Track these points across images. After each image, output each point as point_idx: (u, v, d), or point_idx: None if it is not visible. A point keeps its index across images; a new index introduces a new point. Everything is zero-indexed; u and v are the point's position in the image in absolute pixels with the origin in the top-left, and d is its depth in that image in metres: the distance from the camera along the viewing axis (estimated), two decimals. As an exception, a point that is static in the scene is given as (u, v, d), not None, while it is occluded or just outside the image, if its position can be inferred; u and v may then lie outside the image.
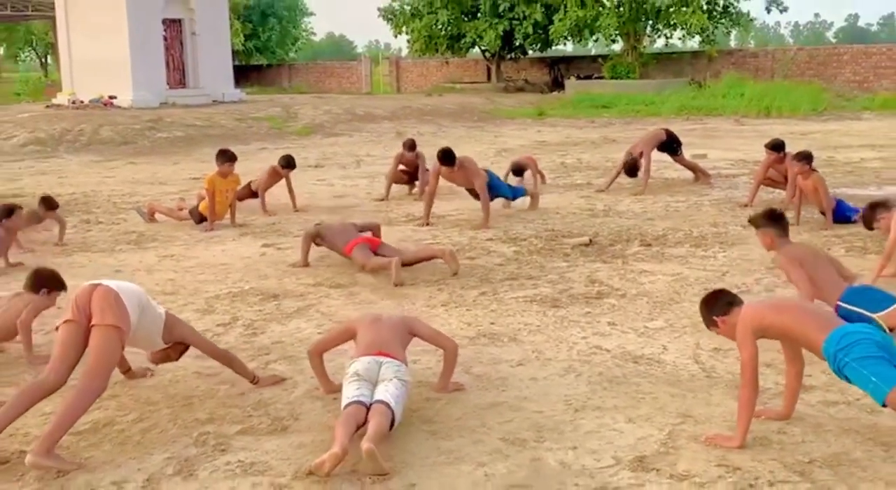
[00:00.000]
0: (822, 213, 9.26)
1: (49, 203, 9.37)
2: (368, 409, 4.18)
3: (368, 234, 8.10)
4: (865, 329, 4.07)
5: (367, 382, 4.35)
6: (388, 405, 4.16)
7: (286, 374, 5.21)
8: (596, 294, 6.88)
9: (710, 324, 4.39)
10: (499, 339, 5.84)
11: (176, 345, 4.92)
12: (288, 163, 11.20)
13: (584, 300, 6.71)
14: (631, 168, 11.55)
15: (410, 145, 12.16)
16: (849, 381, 3.91)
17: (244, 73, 42.34)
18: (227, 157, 10.23)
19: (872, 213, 7.10)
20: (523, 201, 10.72)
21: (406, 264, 7.59)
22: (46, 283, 5.70)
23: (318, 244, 8.16)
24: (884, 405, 3.78)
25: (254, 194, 11.13)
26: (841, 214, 9.19)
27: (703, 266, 7.68)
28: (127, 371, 5.15)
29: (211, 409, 4.71)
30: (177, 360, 5.06)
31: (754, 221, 6.17)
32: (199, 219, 10.20)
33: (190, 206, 10.48)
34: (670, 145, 12.56)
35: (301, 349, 5.68)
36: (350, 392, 4.29)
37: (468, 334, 5.94)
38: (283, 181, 11.25)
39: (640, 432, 4.27)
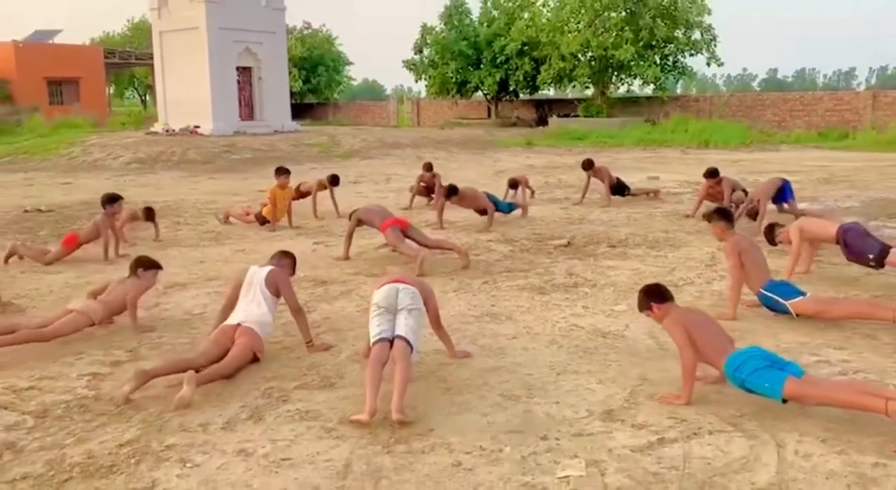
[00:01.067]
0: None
1: (149, 213, 9.41)
2: (391, 343, 4.17)
3: (401, 218, 8.02)
4: (749, 350, 4.03)
5: (388, 314, 4.32)
6: (407, 341, 4.15)
7: (333, 343, 5.20)
8: (573, 283, 6.86)
9: (643, 307, 4.35)
10: (498, 317, 5.82)
11: None
12: (334, 180, 11.20)
13: (563, 288, 6.69)
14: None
15: (428, 167, 12.30)
16: (750, 391, 3.88)
17: (299, 110, 42.25)
18: (282, 172, 10.27)
19: (771, 233, 7.02)
20: (516, 213, 10.70)
21: (430, 247, 7.60)
22: (145, 266, 5.73)
23: (360, 225, 8.12)
24: (784, 401, 3.76)
25: (302, 195, 11.12)
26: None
27: (657, 263, 7.65)
28: None
29: (274, 369, 4.71)
30: None
31: (709, 217, 6.02)
32: (263, 221, 10.21)
33: (255, 212, 10.49)
34: (620, 189, 12.02)
35: (345, 324, 5.70)
36: (375, 329, 4.28)
37: (474, 314, 5.92)
38: (328, 192, 11.25)
39: (607, 391, 4.26)
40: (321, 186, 11.22)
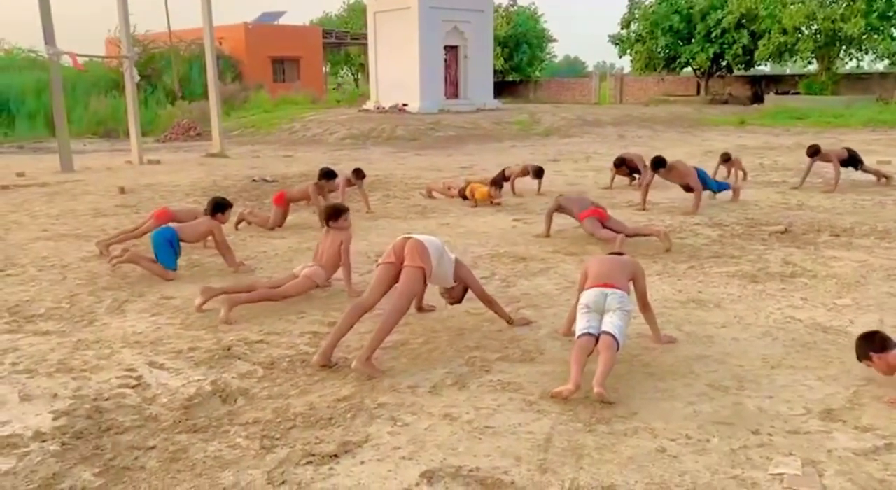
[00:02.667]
0: None
1: (358, 173, 9.96)
2: (597, 338, 4.13)
3: (600, 208, 7.84)
4: None
5: (595, 313, 4.27)
6: (613, 337, 4.09)
7: (532, 319, 5.25)
8: (790, 273, 6.43)
9: (862, 357, 3.98)
10: (705, 304, 5.59)
11: (460, 286, 5.05)
12: (359, 174, 10.05)
13: (779, 278, 6.29)
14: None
15: (619, 162, 11.60)
16: None
17: (500, 88, 42.66)
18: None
19: None
20: (726, 194, 10.17)
21: (628, 236, 7.44)
22: (335, 216, 5.95)
23: (559, 211, 8.12)
24: None
25: (505, 178, 11.28)
26: None
27: (888, 255, 6.98)
28: (420, 308, 5.41)
29: (477, 340, 4.85)
30: (460, 301, 5.17)
31: None
32: (464, 195, 10.46)
33: (459, 187, 10.76)
34: (853, 161, 11.26)
35: (544, 301, 5.73)
36: (581, 324, 4.25)
37: (679, 299, 5.74)
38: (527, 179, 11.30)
39: (828, 389, 3.98)
40: (523, 172, 11.34)
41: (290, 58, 41.60)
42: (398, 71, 27.16)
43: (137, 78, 17.41)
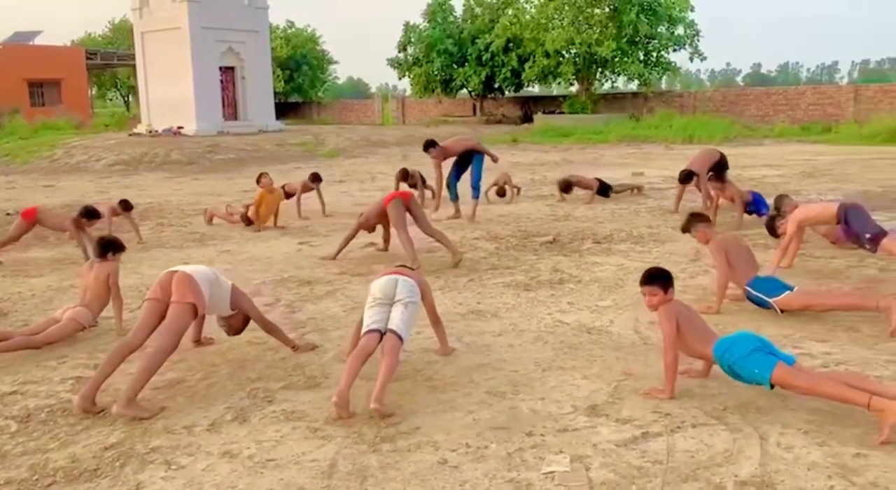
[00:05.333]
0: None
1: (125, 205, 9.35)
2: (382, 334, 4.18)
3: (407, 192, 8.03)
4: (739, 333, 4.08)
5: (383, 306, 4.31)
6: (399, 336, 4.14)
7: (318, 343, 5.19)
8: (558, 280, 6.88)
9: (645, 283, 4.24)
10: (483, 315, 5.84)
11: (238, 315, 4.87)
12: (315, 177, 11.24)
13: (549, 285, 6.72)
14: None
15: (404, 175, 12.10)
16: (738, 376, 3.91)
17: (283, 109, 42.17)
18: (263, 175, 10.29)
19: (772, 224, 7.07)
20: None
21: (425, 232, 7.67)
22: (115, 249, 5.65)
23: (370, 229, 8.07)
24: (772, 387, 3.79)
25: (288, 196, 11.10)
26: (756, 210, 9.28)
27: (641, 259, 7.67)
28: (197, 341, 5.15)
29: (260, 370, 4.70)
30: (240, 331, 4.98)
31: (685, 227, 6.06)
32: (249, 222, 10.18)
33: (241, 213, 10.44)
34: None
35: (330, 324, 5.70)
36: (368, 319, 4.28)
37: (459, 312, 5.93)
38: (314, 192, 11.23)
39: (592, 386, 4.28)
40: (306, 188, 11.22)
41: (50, 80, 38.47)
42: (171, 92, 25.98)
43: None
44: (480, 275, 7.16)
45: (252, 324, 4.95)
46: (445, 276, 7.15)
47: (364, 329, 4.25)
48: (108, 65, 45.86)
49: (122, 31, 49.90)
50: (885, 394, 3.55)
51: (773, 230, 7.04)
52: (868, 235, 6.22)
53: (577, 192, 12.13)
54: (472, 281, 6.93)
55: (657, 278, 4.24)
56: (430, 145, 10.65)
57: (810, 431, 3.60)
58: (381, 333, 4.21)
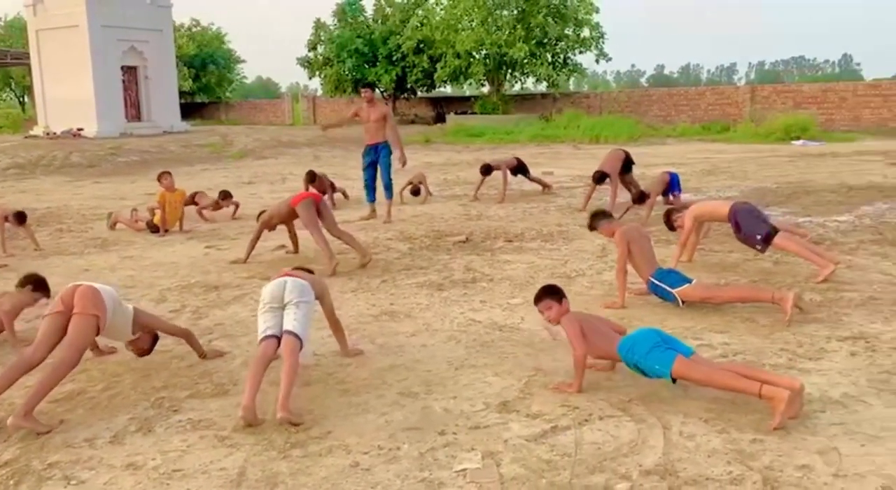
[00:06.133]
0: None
1: (20, 217, 8.86)
2: (279, 339, 4.11)
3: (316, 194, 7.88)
4: (640, 331, 4.19)
5: (275, 311, 4.23)
6: (296, 336, 4.08)
7: (226, 349, 5.08)
8: (471, 279, 6.94)
9: (546, 307, 4.38)
10: (397, 315, 5.83)
11: (145, 335, 4.68)
12: (225, 195, 11.19)
13: (462, 284, 6.76)
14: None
15: (311, 177, 11.86)
16: (643, 372, 4.04)
17: (189, 109, 41.06)
18: (166, 175, 10.07)
19: (669, 218, 7.35)
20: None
21: (333, 235, 7.55)
22: (36, 286, 5.43)
23: (271, 227, 7.96)
24: (674, 381, 3.93)
25: (195, 201, 10.88)
26: (672, 190, 10.03)
27: (551, 256, 7.83)
28: (95, 348, 4.96)
29: (165, 379, 4.57)
30: (149, 352, 4.76)
31: (591, 225, 6.31)
32: (154, 229, 9.86)
33: (147, 220, 10.10)
34: (522, 169, 12.65)
35: (239, 329, 5.58)
36: (262, 326, 4.20)
37: (373, 313, 5.91)
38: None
39: (503, 383, 4.33)
40: (217, 207, 11.06)
41: (-65, 79, 36.21)
42: (70, 93, 24.96)
43: None
44: (394, 275, 7.15)
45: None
46: (358, 277, 7.11)
47: (260, 336, 4.17)
48: (2, 64, 43.53)
49: (15, 29, 47.43)
50: (775, 382, 3.74)
51: (670, 224, 7.32)
52: (759, 237, 6.48)
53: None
54: (386, 282, 6.92)
55: (547, 293, 4.41)
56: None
57: (710, 419, 3.74)
58: (279, 338, 4.13)
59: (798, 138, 22.34)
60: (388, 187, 10.48)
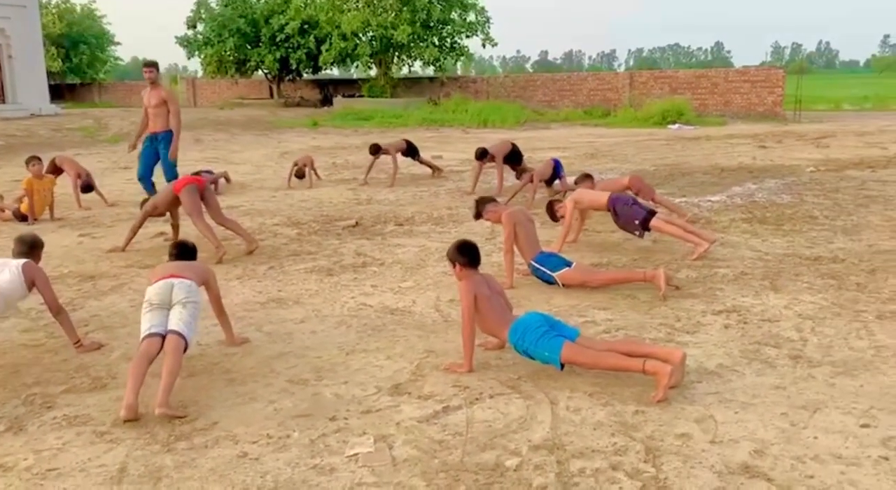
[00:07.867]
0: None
1: None
2: (164, 337, 3.96)
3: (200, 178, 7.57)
4: (528, 317, 4.22)
5: (161, 310, 4.09)
6: (181, 335, 3.96)
7: (104, 341, 4.86)
8: (362, 263, 6.89)
9: (453, 260, 4.44)
10: (285, 302, 5.72)
11: None
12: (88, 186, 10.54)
13: (352, 268, 6.71)
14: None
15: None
16: (533, 358, 4.13)
17: (60, 91, 38.86)
18: (35, 160, 9.46)
19: (552, 209, 7.51)
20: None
21: (218, 222, 7.32)
22: None
23: (159, 214, 7.66)
24: (562, 367, 4.04)
25: (56, 172, 10.36)
26: (557, 175, 10.17)
27: (441, 239, 7.86)
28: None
29: (37, 374, 4.32)
30: None
31: (476, 214, 6.34)
32: (22, 217, 9.27)
33: (13, 209, 9.47)
34: (412, 152, 12.63)
35: (117, 320, 5.34)
36: (145, 325, 4.04)
37: (259, 300, 5.78)
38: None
39: (395, 366, 4.34)
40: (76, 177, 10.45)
41: None
42: (-79, 72, 23.07)
43: None
44: (281, 261, 7.01)
45: (29, 325, 4.54)
46: (244, 264, 6.93)
47: (143, 333, 4.01)
48: None
49: None
50: (657, 355, 3.91)
51: (552, 214, 7.49)
52: (637, 221, 6.79)
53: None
54: (273, 268, 6.78)
55: (449, 253, 4.50)
56: None
57: (595, 394, 3.87)
58: (163, 336, 3.99)
59: (674, 122, 23.39)
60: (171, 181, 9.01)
